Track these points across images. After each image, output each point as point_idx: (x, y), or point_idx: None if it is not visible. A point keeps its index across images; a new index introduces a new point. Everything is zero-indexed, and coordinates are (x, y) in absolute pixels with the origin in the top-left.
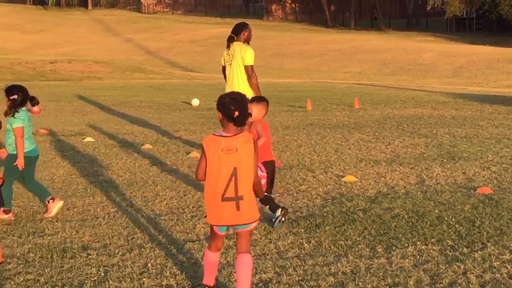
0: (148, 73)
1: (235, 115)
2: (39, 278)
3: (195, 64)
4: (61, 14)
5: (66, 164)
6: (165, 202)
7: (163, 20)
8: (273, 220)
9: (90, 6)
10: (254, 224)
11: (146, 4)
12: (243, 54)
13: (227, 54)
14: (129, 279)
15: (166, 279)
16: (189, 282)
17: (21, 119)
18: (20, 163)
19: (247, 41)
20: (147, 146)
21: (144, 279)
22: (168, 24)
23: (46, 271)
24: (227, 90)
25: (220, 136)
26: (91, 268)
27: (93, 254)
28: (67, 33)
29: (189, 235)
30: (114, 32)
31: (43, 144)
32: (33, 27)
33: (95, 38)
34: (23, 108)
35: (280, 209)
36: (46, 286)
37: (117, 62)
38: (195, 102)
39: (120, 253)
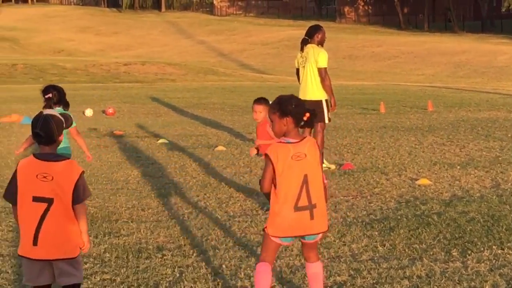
0: (220, 75)
1: (306, 118)
2: (115, 278)
3: (267, 66)
4: (134, 17)
5: (141, 166)
6: (238, 204)
7: (235, 22)
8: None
9: (163, 9)
10: (322, 234)
11: (219, 7)
12: (317, 57)
13: (301, 56)
14: (203, 280)
15: (241, 280)
16: None
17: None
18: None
19: (320, 43)
20: (221, 148)
21: (219, 280)
22: (240, 26)
23: (122, 271)
24: (301, 92)
25: (288, 143)
26: (166, 269)
27: (168, 255)
28: (140, 35)
29: (263, 236)
30: (187, 34)
31: (117, 146)
32: (107, 29)
33: (168, 40)
34: (58, 108)
35: None
36: (122, 286)
37: (190, 64)
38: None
39: (194, 254)
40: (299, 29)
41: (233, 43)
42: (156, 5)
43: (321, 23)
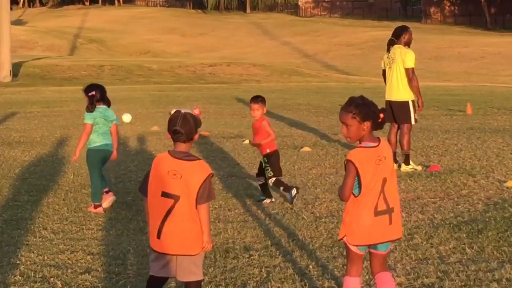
0: (305, 76)
1: (380, 119)
2: (203, 278)
3: (352, 67)
4: (220, 18)
5: (227, 166)
6: (325, 205)
7: (320, 23)
8: (290, 198)
9: (248, 10)
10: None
11: (303, 8)
12: (404, 57)
13: (387, 57)
14: (290, 281)
15: (328, 281)
16: None
17: (91, 117)
18: (75, 157)
19: (407, 44)
20: (306, 148)
21: (306, 281)
22: (325, 27)
23: (209, 270)
24: (387, 93)
25: (369, 147)
26: (254, 269)
27: (255, 255)
28: (225, 37)
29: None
30: (271, 36)
31: (204, 146)
32: (193, 30)
33: (253, 41)
34: (102, 106)
35: (294, 188)
36: (210, 286)
37: (275, 65)
38: None
39: (281, 255)
40: (384, 30)
41: (318, 44)
42: (241, 6)
43: (406, 24)
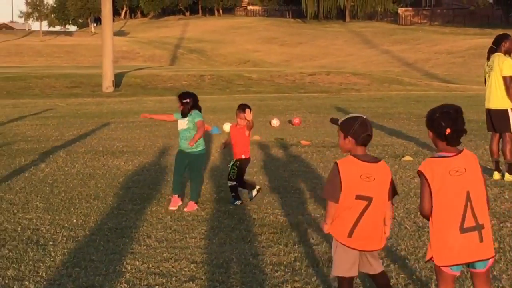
0: (405, 85)
1: (446, 133)
2: (306, 286)
3: (453, 76)
4: (319, 27)
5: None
6: None
7: (420, 31)
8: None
9: (347, 19)
10: (492, 260)
11: (403, 16)
12: (502, 65)
13: (487, 65)
14: None
15: None
16: None
17: (200, 114)
18: (191, 143)
19: (507, 52)
20: (407, 158)
21: None
22: (425, 35)
23: (312, 279)
24: (486, 101)
25: (442, 157)
26: (357, 278)
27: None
28: (325, 46)
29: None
30: (371, 44)
31: (304, 155)
32: (292, 40)
33: (352, 50)
34: (196, 111)
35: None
36: None
37: (375, 74)
38: None
39: (384, 264)
40: (485, 38)
41: (418, 52)
42: (341, 15)
43: (508, 31)
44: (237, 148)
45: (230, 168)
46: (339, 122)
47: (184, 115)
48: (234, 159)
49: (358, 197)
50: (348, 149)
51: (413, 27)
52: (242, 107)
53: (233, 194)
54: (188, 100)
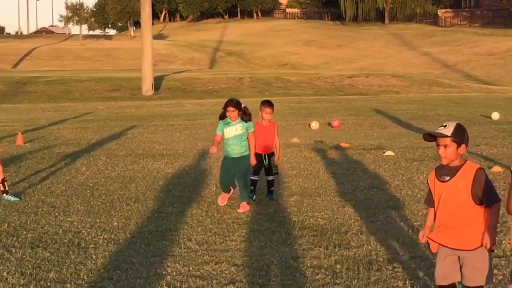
0: (445, 87)
1: None
2: None
3: (493, 77)
4: (358, 29)
5: (368, 177)
6: None
7: (460, 33)
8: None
9: (386, 21)
10: None
11: (443, 17)
12: None
13: None
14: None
15: None
16: None
17: (218, 129)
18: (252, 161)
19: None
20: None
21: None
22: (465, 36)
23: (353, 282)
24: None
25: None
26: (398, 281)
27: (399, 267)
28: (364, 48)
29: (495, 250)
30: (410, 46)
31: (344, 158)
32: (331, 42)
33: (391, 52)
34: (224, 120)
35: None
36: None
37: (414, 76)
38: (495, 115)
39: (425, 267)
40: None
41: (458, 54)
42: (380, 17)
43: None
44: (268, 142)
45: (267, 162)
46: (451, 132)
47: (245, 119)
48: (265, 154)
49: None
50: (457, 157)
51: (453, 29)
52: (268, 103)
53: (253, 187)
54: (245, 106)
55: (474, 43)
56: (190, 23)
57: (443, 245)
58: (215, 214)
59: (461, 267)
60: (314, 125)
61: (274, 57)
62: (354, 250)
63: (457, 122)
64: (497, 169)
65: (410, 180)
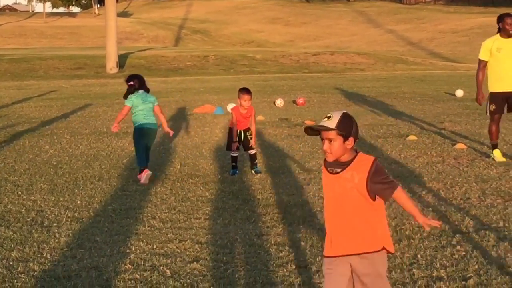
0: (410, 64)
1: None
2: (311, 266)
3: (457, 55)
4: (323, 7)
5: None
6: (432, 194)
7: (424, 10)
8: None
9: None
10: None
11: None
12: None
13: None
14: (399, 270)
15: (436, 270)
16: (460, 275)
17: (130, 100)
18: (113, 130)
19: (503, 32)
20: (412, 137)
21: (414, 270)
22: (429, 14)
23: (317, 259)
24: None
25: None
26: None
27: None
28: (329, 26)
29: (458, 227)
30: (375, 24)
31: (305, 136)
32: (296, 20)
33: (356, 30)
34: (140, 91)
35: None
36: (317, 275)
37: (379, 54)
38: (459, 93)
39: None
40: (490, 16)
41: (422, 32)
42: None
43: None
44: (245, 123)
45: (243, 137)
46: (335, 125)
47: (125, 97)
48: (242, 129)
49: None
50: (345, 152)
51: (417, 6)
52: (246, 90)
53: (234, 164)
54: (132, 83)
55: (439, 20)
56: (155, 1)
57: (338, 256)
58: (179, 192)
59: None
60: (279, 102)
61: (239, 35)
62: (318, 226)
63: (343, 111)
64: (460, 146)
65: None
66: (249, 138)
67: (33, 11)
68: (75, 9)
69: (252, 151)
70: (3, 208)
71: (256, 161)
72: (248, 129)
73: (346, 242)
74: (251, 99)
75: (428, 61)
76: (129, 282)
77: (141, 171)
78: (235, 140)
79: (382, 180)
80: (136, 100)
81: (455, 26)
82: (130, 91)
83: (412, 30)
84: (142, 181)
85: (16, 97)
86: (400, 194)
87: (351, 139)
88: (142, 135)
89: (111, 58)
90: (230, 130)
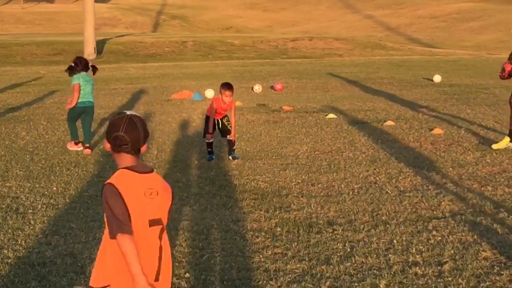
0: (388, 50)
1: None
2: (287, 252)
3: (435, 40)
4: None
5: (310, 141)
6: (409, 179)
7: None
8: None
9: None
10: None
11: None
12: None
13: None
14: (375, 255)
15: (412, 255)
16: (436, 260)
17: (75, 78)
18: (69, 106)
19: None
20: (390, 122)
21: (390, 255)
22: None
23: (293, 245)
24: None
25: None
26: (337, 243)
27: (339, 230)
28: (307, 11)
29: (434, 212)
30: (354, 9)
31: (286, 121)
32: (275, 5)
33: (335, 15)
34: (83, 73)
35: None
36: (293, 260)
37: (357, 39)
38: (437, 78)
39: (365, 229)
40: (468, 2)
41: (401, 17)
42: None
43: None
44: (224, 112)
45: (220, 125)
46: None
47: (71, 74)
48: (223, 117)
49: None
50: (116, 160)
51: None
52: (228, 86)
53: (210, 149)
54: (72, 64)
55: (417, 6)
56: None
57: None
58: None
59: None
60: (257, 88)
61: (218, 21)
62: (294, 213)
63: (124, 113)
64: (438, 131)
65: (352, 142)
66: (227, 125)
67: None
68: None
69: (230, 138)
70: None
71: (235, 147)
72: (225, 116)
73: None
74: (233, 94)
75: (406, 47)
76: None
77: (76, 143)
78: (211, 131)
79: (105, 212)
80: (82, 78)
81: (434, 11)
82: (73, 70)
83: (391, 16)
84: (69, 148)
85: None
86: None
87: (106, 141)
88: (77, 113)
89: (89, 44)
90: (207, 118)
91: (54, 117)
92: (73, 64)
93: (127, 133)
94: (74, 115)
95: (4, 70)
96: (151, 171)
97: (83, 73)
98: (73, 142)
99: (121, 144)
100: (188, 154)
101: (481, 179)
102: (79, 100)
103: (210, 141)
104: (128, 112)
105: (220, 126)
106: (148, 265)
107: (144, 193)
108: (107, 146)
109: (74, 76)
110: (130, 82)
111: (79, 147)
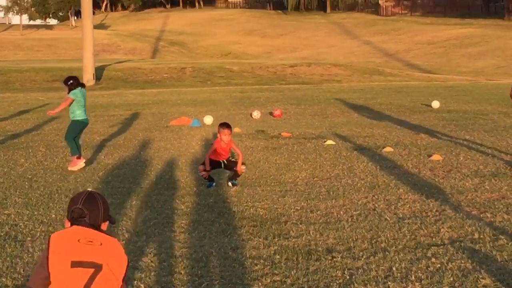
0: (386, 76)
1: None
2: (286, 280)
3: (434, 66)
4: (300, 18)
5: (308, 167)
6: (408, 206)
7: (401, 22)
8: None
9: (328, 10)
10: None
11: (384, 6)
12: None
13: None
14: (374, 283)
15: (411, 283)
16: (435, 287)
17: (73, 93)
18: (51, 113)
19: None
20: (388, 148)
21: (389, 283)
22: (406, 25)
23: (292, 273)
24: None
25: None
26: (336, 271)
27: (338, 257)
28: (306, 37)
29: (433, 239)
30: (352, 35)
31: (285, 147)
32: (273, 31)
33: (333, 41)
34: (83, 89)
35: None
36: None
37: (356, 65)
38: (435, 104)
39: (364, 256)
40: (466, 28)
41: (399, 43)
42: (321, 7)
43: (488, 21)
44: (225, 155)
45: (226, 163)
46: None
47: (68, 92)
48: (226, 160)
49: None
50: None
51: (394, 18)
52: (226, 125)
53: (208, 178)
54: (71, 81)
55: (415, 32)
56: (132, 13)
57: None
58: (155, 205)
59: None
60: (256, 114)
61: (217, 47)
62: (293, 240)
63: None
64: (436, 157)
65: (351, 169)
66: (233, 160)
67: (9, 23)
68: (52, 21)
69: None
70: None
71: (238, 177)
72: (228, 158)
73: None
74: (231, 133)
75: (404, 73)
76: None
77: (78, 158)
78: (208, 169)
79: None
80: (79, 93)
81: (432, 37)
82: (71, 88)
83: (389, 42)
84: (73, 168)
85: None
86: None
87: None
88: (79, 128)
89: (88, 70)
90: (205, 159)
91: (53, 143)
92: (71, 81)
93: (85, 206)
94: (77, 131)
95: (3, 97)
96: (111, 236)
97: (83, 89)
98: (75, 158)
99: (78, 216)
100: (187, 181)
101: (480, 206)
102: (83, 117)
103: (204, 175)
104: (89, 189)
105: (226, 163)
106: None
107: (79, 240)
108: (67, 224)
109: (73, 91)
110: (129, 108)
111: (82, 160)
